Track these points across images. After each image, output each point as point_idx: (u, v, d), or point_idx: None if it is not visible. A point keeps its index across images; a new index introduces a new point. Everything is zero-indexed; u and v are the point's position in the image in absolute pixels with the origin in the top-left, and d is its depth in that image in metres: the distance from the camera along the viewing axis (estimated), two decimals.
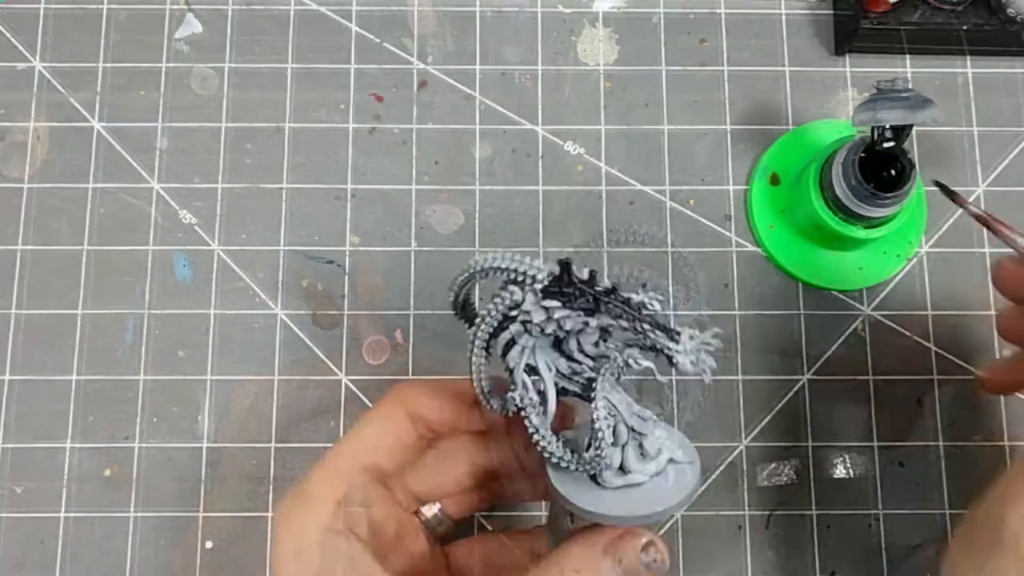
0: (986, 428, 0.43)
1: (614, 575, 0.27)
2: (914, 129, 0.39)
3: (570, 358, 0.29)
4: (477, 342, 0.28)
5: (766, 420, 0.43)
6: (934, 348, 0.43)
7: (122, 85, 0.46)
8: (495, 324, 0.28)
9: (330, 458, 0.32)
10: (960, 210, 0.45)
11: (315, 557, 0.30)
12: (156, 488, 0.42)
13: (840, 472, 0.42)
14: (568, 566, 0.28)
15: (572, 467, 0.29)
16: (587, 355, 0.29)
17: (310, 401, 0.43)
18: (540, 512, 0.41)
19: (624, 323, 0.27)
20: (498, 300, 0.28)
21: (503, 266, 0.27)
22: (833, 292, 0.44)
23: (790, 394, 0.43)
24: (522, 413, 0.28)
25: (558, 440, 0.29)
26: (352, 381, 0.43)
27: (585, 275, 0.27)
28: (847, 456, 0.42)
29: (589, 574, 0.27)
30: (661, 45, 0.47)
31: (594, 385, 0.28)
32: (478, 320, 0.28)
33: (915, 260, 0.44)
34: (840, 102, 0.46)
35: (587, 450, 0.28)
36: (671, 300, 0.30)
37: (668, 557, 0.28)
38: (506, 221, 0.45)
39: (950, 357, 0.43)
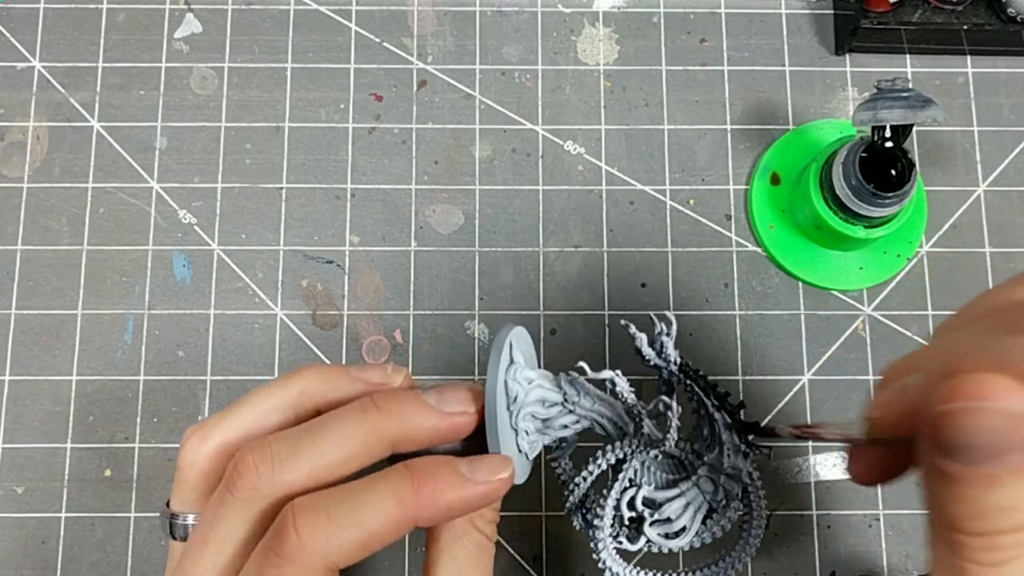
0: None
1: None
2: (914, 129, 0.39)
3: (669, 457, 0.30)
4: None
5: (766, 420, 0.43)
6: None
7: (121, 85, 0.46)
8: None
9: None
10: (960, 210, 0.45)
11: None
12: (156, 488, 0.42)
13: (840, 472, 0.42)
14: None
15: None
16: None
17: None
18: (540, 512, 0.42)
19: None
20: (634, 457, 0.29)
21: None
22: (833, 292, 0.44)
23: (790, 394, 0.43)
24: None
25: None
26: None
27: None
28: (847, 456, 0.42)
29: None
30: (661, 44, 0.47)
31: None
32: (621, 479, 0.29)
33: (915, 260, 0.44)
34: (841, 101, 0.46)
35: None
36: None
37: None
38: (506, 221, 0.45)
39: None
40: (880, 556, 0.41)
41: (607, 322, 0.43)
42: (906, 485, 0.42)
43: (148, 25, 0.47)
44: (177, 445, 0.42)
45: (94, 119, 0.45)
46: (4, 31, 0.46)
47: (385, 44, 0.47)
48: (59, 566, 0.41)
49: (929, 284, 0.44)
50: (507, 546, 0.41)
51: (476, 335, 0.43)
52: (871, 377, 0.43)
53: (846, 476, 0.29)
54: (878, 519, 0.42)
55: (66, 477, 0.42)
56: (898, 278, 0.44)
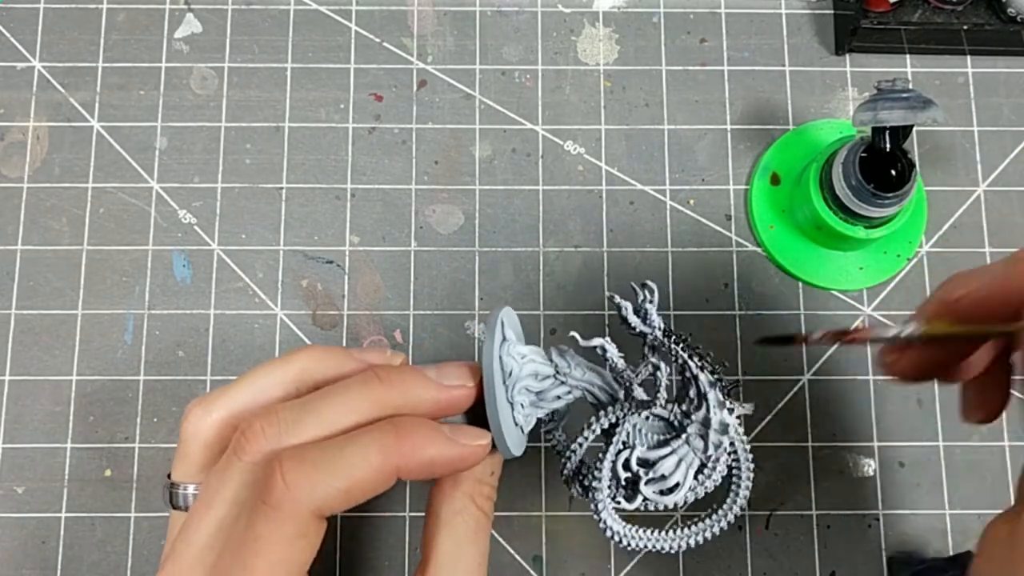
0: (986, 428, 0.43)
1: None
2: (915, 129, 0.39)
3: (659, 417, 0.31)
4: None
5: (766, 420, 0.43)
6: None
7: (121, 85, 0.46)
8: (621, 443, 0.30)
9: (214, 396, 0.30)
10: (960, 210, 0.45)
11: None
12: (156, 488, 0.42)
13: (841, 472, 0.42)
14: None
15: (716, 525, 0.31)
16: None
17: None
18: (540, 512, 0.42)
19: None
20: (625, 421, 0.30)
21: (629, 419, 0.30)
22: (833, 292, 0.44)
23: (790, 394, 0.43)
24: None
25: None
26: None
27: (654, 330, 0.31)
28: (847, 456, 0.42)
29: None
30: (661, 44, 0.47)
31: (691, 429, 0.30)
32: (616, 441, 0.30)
33: (915, 260, 0.44)
34: (841, 101, 0.46)
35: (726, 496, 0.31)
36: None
37: None
38: (506, 221, 0.45)
39: None
40: (880, 556, 0.41)
41: (607, 322, 0.43)
42: (906, 485, 0.42)
43: (148, 25, 0.47)
44: (176, 445, 0.42)
45: (94, 119, 0.45)
46: (4, 31, 0.46)
47: (385, 44, 0.47)
48: (59, 566, 0.41)
49: (929, 284, 0.44)
50: (507, 546, 0.41)
51: (476, 335, 0.43)
52: (871, 377, 0.43)
53: (887, 377, 0.31)
54: (878, 519, 0.42)
55: (66, 477, 0.42)
56: (898, 278, 0.44)
